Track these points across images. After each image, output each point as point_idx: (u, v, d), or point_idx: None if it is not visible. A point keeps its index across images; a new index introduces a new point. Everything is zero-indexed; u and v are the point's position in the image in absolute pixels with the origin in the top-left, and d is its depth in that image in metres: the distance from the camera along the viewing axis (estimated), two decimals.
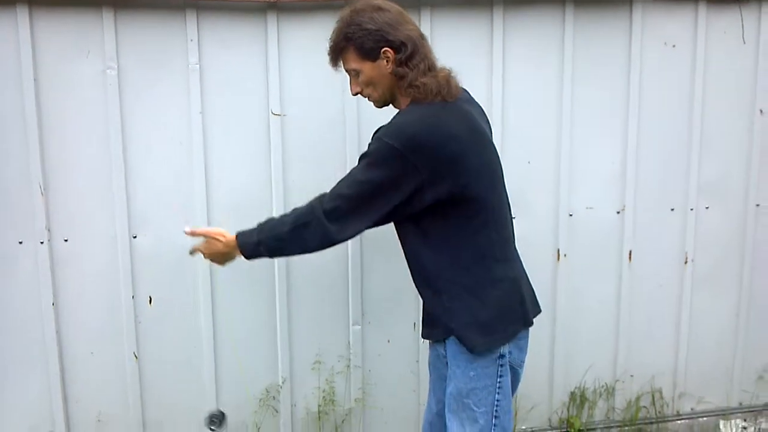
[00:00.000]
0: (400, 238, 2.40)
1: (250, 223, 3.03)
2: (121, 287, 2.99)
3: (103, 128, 2.88)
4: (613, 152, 3.35)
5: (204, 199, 2.99)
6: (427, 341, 2.55)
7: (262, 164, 3.04)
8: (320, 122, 3.06)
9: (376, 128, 2.29)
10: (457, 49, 3.01)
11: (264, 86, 2.98)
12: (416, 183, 2.17)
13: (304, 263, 3.10)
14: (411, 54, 2.24)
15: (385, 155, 2.17)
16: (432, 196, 2.19)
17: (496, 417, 2.33)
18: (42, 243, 2.89)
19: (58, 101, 2.84)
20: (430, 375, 2.63)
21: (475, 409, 2.32)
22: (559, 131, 3.27)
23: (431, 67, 2.29)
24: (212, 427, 2.71)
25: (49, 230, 2.90)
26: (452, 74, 2.32)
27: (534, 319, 2.44)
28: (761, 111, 3.44)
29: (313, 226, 2.24)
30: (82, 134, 2.88)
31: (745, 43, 3.38)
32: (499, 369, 2.32)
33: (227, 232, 2.47)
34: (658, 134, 3.37)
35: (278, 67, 2.97)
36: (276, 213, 3.03)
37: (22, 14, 2.74)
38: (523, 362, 2.44)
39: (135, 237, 2.98)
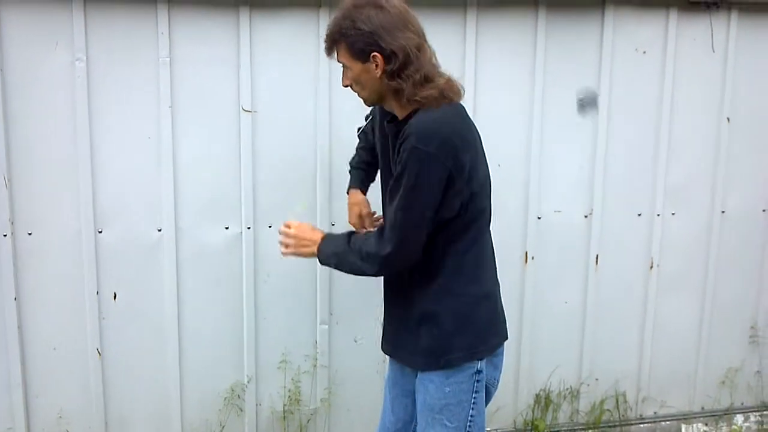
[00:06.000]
0: None
1: (218, 220, 3.03)
2: (86, 283, 2.95)
3: (70, 120, 2.84)
4: (582, 156, 3.37)
5: (171, 195, 2.96)
6: (388, 356, 2.50)
7: (231, 161, 3.02)
8: (291, 120, 3.04)
9: (400, 137, 2.14)
10: None
11: (235, 82, 2.96)
12: (449, 184, 2.10)
13: (271, 262, 3.09)
14: (402, 65, 2.11)
15: (422, 162, 2.06)
16: (458, 201, 2.13)
17: None
18: (5, 236, 2.84)
19: (24, 92, 2.79)
20: (389, 392, 2.54)
21: (447, 424, 2.27)
22: (528, 135, 3.28)
23: (428, 78, 2.14)
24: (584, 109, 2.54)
25: (12, 223, 2.85)
26: (452, 79, 2.21)
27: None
28: (728, 119, 3.49)
29: (371, 262, 2.19)
30: (48, 126, 2.83)
31: (714, 51, 3.42)
32: (475, 384, 2.27)
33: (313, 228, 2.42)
34: (626, 140, 3.40)
35: (250, 63, 2.95)
36: (244, 210, 3.04)
37: None
38: (497, 381, 2.39)
39: (100, 232, 2.94)
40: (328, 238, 2.34)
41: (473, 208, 2.20)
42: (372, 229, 2.52)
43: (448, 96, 2.18)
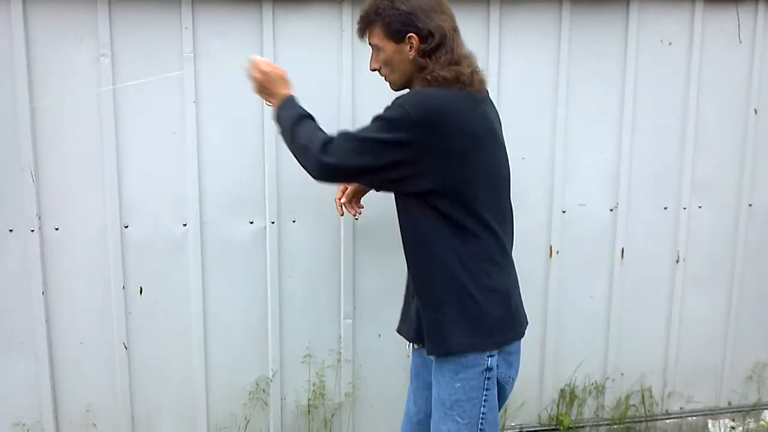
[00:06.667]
0: (410, 230, 2.31)
1: (243, 214, 3.04)
2: (112, 277, 2.97)
3: (95, 116, 2.86)
4: (608, 149, 3.35)
5: (196, 190, 2.98)
6: (412, 344, 2.54)
7: (255, 155, 3.02)
8: (314, 114, 3.01)
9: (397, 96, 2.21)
10: None
11: None
12: (414, 157, 2.11)
13: (295, 256, 3.10)
14: (437, 45, 2.16)
15: (399, 121, 2.09)
16: (428, 182, 2.13)
17: (481, 431, 2.28)
18: (32, 231, 2.87)
19: (50, 88, 2.81)
20: (412, 382, 2.59)
21: (459, 420, 2.27)
22: (553, 128, 3.27)
23: (455, 61, 2.19)
24: None
25: (39, 218, 2.88)
26: (478, 69, 2.24)
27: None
28: (755, 111, 3.44)
29: (305, 154, 2.25)
30: (74, 122, 2.85)
31: (741, 42, 3.39)
32: (486, 382, 2.26)
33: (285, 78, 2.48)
34: (652, 132, 3.37)
35: (273, 57, 2.94)
36: (269, 204, 3.04)
37: (15, 0, 2.72)
38: (512, 380, 2.36)
39: (126, 227, 2.96)
40: (290, 103, 2.39)
41: (467, 200, 2.18)
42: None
43: (463, 82, 2.19)
